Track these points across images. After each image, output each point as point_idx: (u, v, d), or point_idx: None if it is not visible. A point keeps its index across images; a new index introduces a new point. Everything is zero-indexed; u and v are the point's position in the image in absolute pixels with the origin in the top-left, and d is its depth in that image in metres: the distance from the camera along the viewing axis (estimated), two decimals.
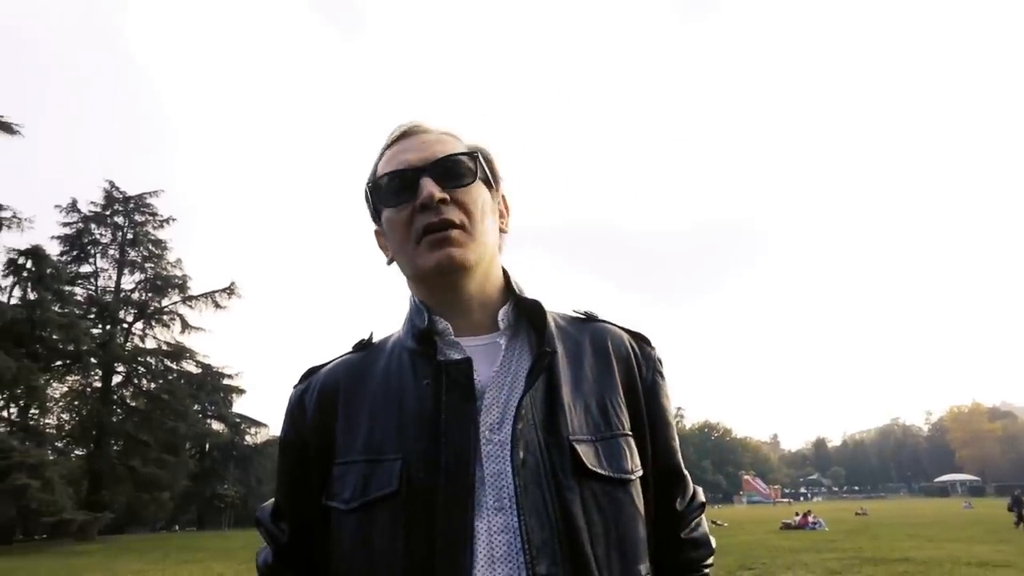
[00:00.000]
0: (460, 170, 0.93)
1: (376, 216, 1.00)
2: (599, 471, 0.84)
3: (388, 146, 0.98)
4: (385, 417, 0.87)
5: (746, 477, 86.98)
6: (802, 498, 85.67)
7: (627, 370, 0.97)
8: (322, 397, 0.93)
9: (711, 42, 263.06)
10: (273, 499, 1.00)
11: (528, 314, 0.94)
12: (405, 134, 0.97)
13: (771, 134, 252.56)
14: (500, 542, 0.77)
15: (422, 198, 0.89)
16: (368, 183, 0.98)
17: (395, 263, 0.99)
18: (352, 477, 0.85)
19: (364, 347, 1.00)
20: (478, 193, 0.94)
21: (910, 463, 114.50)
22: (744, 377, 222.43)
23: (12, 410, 28.27)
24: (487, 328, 0.94)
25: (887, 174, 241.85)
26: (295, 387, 1.00)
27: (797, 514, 26.92)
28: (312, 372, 1.00)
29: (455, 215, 0.90)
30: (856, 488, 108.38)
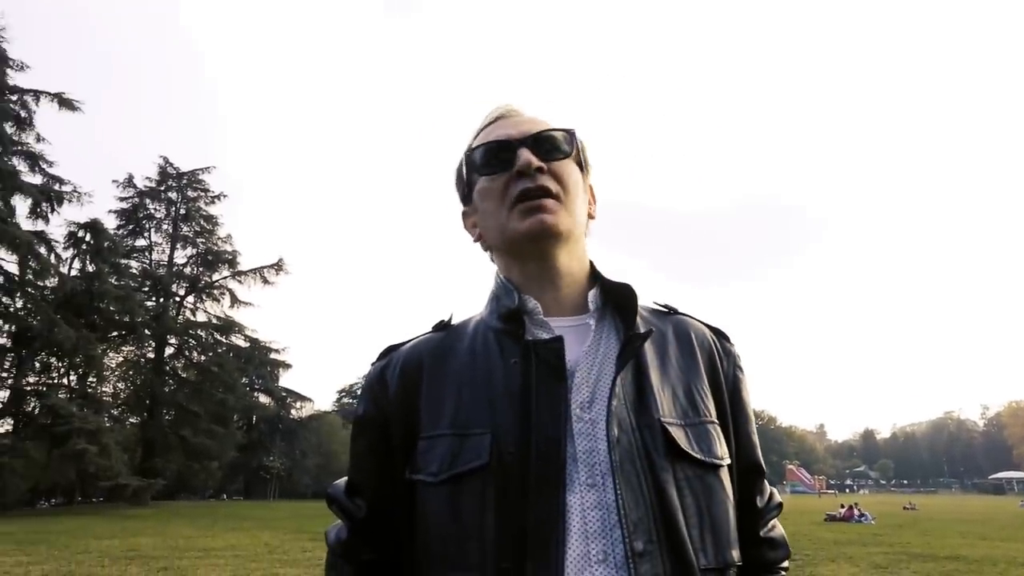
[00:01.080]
0: (557, 144, 0.96)
1: (466, 197, 1.01)
2: (692, 454, 0.84)
3: (482, 128, 1.02)
4: (472, 393, 0.86)
5: (790, 467, 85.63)
6: (848, 490, 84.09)
7: (710, 363, 0.97)
8: (405, 373, 0.93)
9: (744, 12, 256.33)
10: (346, 476, 0.99)
11: (616, 298, 0.94)
12: (501, 116, 1.01)
13: (830, 108, 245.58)
14: (594, 517, 0.76)
15: (520, 164, 0.91)
16: (464, 155, 1.01)
17: (481, 243, 1.03)
18: (440, 450, 0.84)
19: (444, 327, 1.00)
20: (572, 169, 0.97)
21: (963, 458, 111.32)
22: (790, 365, 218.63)
23: (72, 378, 29.40)
24: (575, 309, 0.95)
25: (947, 159, 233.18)
26: (374, 364, 0.99)
27: (843, 506, 26.36)
28: (392, 349, 1.00)
29: (551, 184, 0.93)
30: (905, 482, 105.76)
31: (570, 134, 0.98)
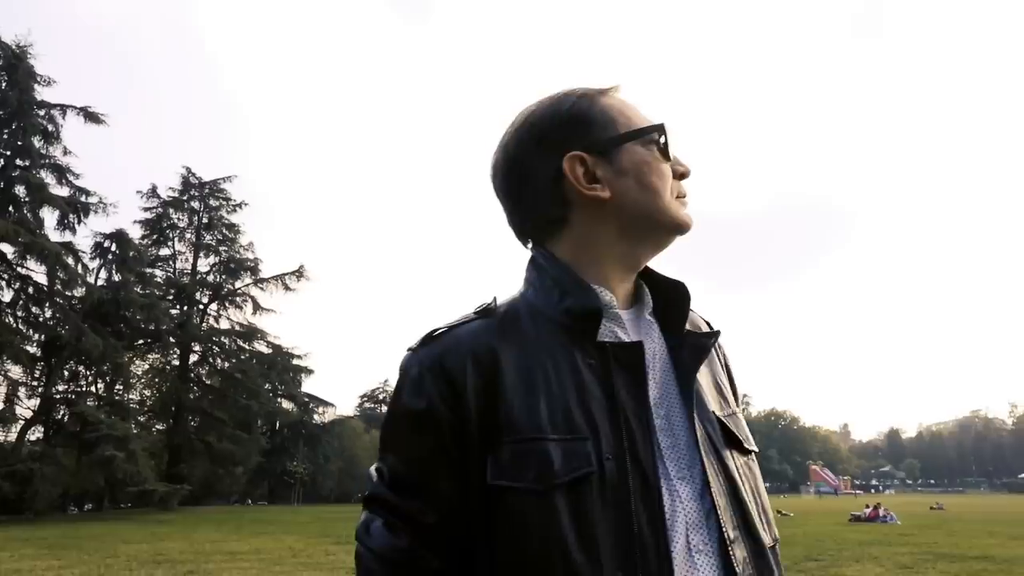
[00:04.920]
0: None
1: (600, 147, 0.89)
2: (744, 444, 0.90)
3: (601, 97, 0.93)
4: (561, 395, 0.81)
5: (814, 467, 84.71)
6: (873, 490, 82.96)
7: (720, 355, 1.02)
8: (480, 365, 0.83)
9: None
10: (389, 475, 0.86)
11: (667, 293, 0.95)
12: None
13: (861, 104, 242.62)
14: (691, 509, 0.79)
15: (689, 167, 0.94)
16: (647, 126, 0.91)
17: (594, 198, 0.89)
18: (540, 456, 0.78)
19: (489, 313, 0.90)
20: None
21: (992, 458, 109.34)
22: (814, 365, 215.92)
23: (100, 386, 29.91)
24: (629, 300, 0.94)
25: (974, 161, 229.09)
26: (418, 350, 0.87)
27: (867, 506, 26.04)
28: (438, 337, 0.87)
29: None
30: (932, 482, 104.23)
31: None
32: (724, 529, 0.78)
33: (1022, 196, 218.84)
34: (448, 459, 0.82)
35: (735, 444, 0.88)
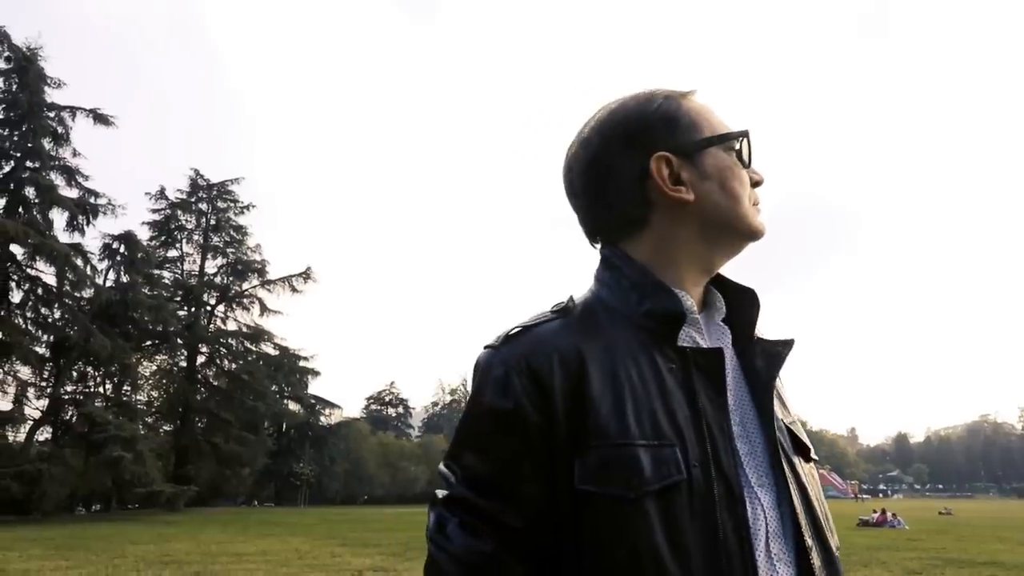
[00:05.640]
0: None
1: (686, 149, 0.89)
2: (810, 452, 0.92)
3: (685, 99, 0.93)
4: (647, 400, 0.80)
5: (821, 471, 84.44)
6: (881, 495, 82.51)
7: None
8: (567, 366, 0.81)
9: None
10: (470, 476, 0.83)
11: (736, 298, 0.95)
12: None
13: (870, 107, 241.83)
14: (773, 517, 0.80)
15: (763, 176, 0.95)
16: (733, 132, 0.92)
17: (676, 200, 0.88)
18: (630, 462, 0.77)
19: (567, 312, 0.88)
20: None
21: (1001, 462, 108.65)
22: (822, 368, 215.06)
23: (107, 387, 30.04)
24: (702, 305, 0.94)
25: (981, 163, 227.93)
26: (500, 349, 0.84)
27: (875, 511, 25.94)
28: (519, 335, 0.85)
29: None
30: (940, 487, 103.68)
31: None
32: (803, 537, 0.79)
33: None
34: (534, 461, 0.80)
35: (803, 451, 0.89)
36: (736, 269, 0.97)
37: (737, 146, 0.91)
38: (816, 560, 0.79)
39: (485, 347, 0.87)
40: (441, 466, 0.86)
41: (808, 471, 0.88)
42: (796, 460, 0.86)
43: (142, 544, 13.83)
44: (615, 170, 0.90)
